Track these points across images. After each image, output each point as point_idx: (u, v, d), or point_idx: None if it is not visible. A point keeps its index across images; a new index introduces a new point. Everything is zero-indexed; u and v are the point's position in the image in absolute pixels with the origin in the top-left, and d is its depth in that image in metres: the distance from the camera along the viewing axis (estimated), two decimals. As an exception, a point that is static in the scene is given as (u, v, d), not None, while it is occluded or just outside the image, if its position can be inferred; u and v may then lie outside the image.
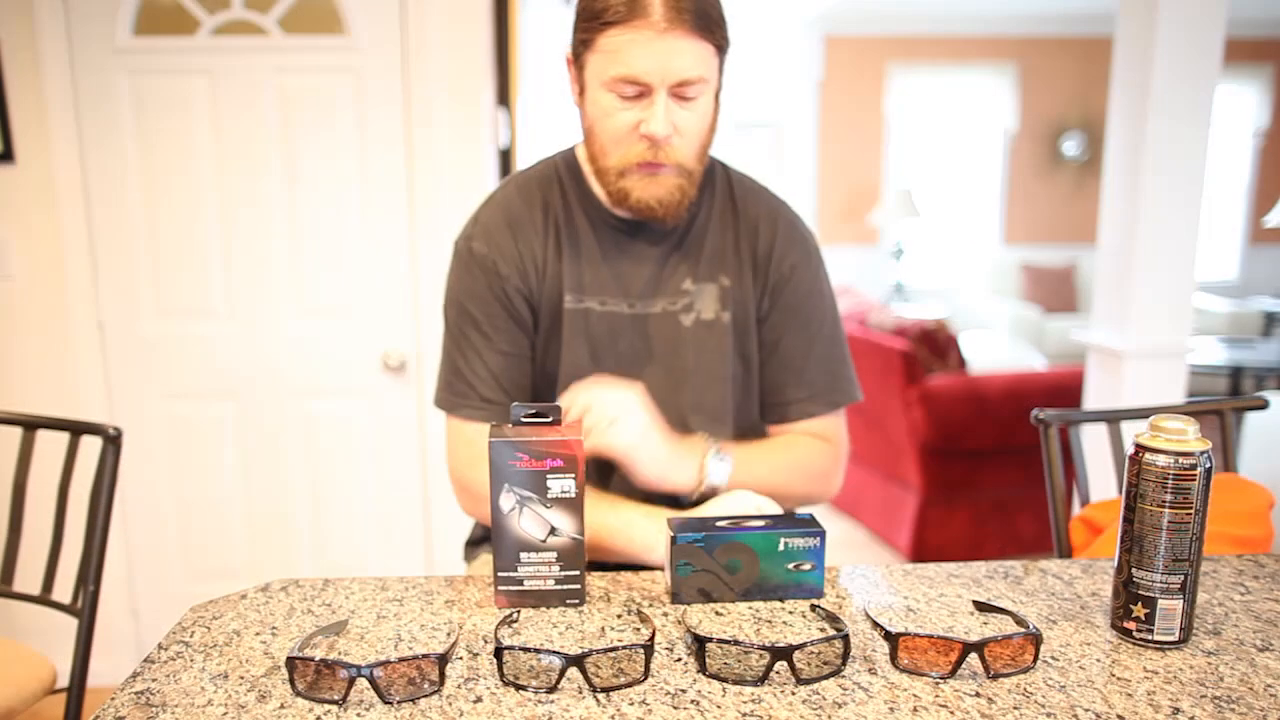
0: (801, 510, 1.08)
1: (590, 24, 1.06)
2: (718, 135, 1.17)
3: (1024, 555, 3.32)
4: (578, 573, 0.92)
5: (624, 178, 1.10)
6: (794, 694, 0.76)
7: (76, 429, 1.47)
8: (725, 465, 1.12)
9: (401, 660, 0.76)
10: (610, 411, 1.06)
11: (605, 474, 1.21)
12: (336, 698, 0.74)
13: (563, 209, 1.20)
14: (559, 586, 0.92)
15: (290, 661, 0.76)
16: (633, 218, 1.18)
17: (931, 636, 0.78)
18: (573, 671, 0.78)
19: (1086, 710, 0.73)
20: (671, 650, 0.83)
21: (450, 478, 1.21)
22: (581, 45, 1.09)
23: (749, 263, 1.21)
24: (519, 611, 0.91)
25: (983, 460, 3.27)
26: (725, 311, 1.19)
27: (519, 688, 0.77)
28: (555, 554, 0.91)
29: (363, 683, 0.76)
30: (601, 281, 1.18)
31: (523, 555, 0.91)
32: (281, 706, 0.74)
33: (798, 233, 1.24)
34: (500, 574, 0.92)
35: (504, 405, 1.17)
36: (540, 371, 1.21)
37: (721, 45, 1.08)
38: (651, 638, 0.80)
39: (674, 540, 0.92)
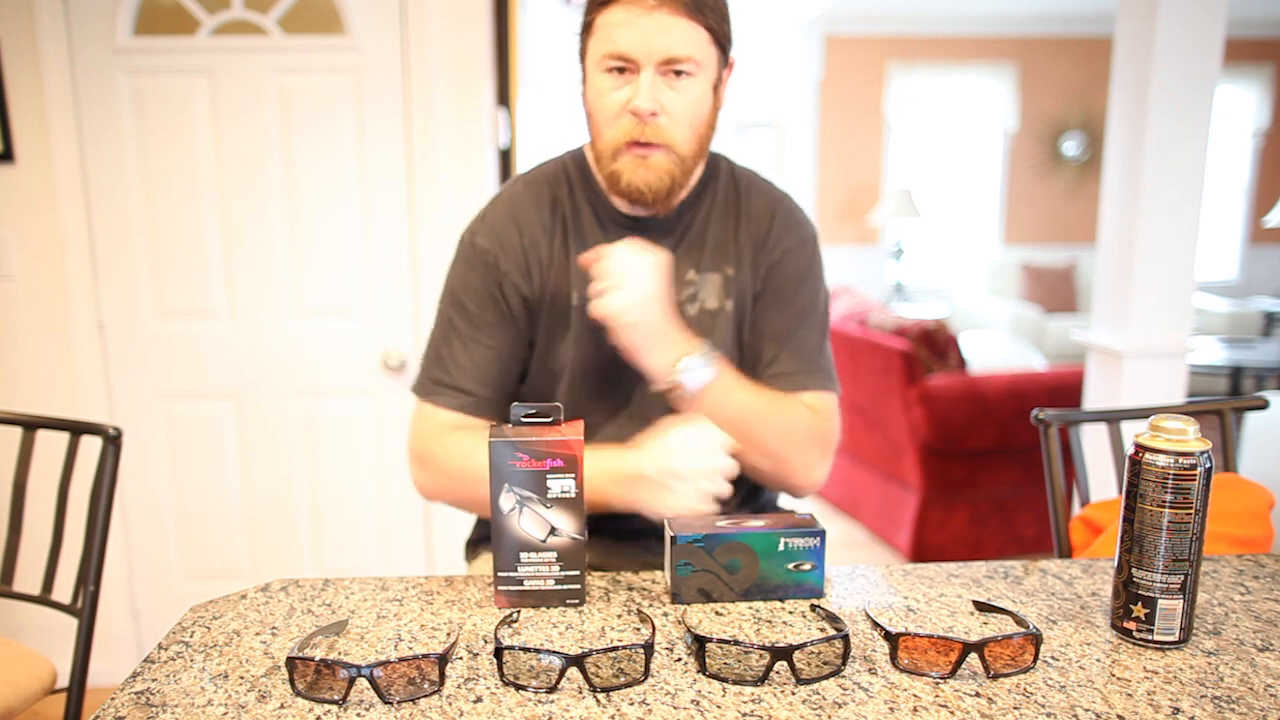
0: (801, 511, 1.08)
1: (590, 7, 1.10)
2: (718, 133, 1.17)
3: (1024, 555, 3.32)
4: (578, 573, 0.92)
5: (616, 159, 1.11)
6: (794, 694, 0.76)
7: (76, 429, 1.47)
8: (705, 372, 1.09)
9: (401, 660, 0.76)
10: (616, 272, 1.07)
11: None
12: (336, 698, 0.74)
13: (571, 206, 1.20)
14: (559, 586, 0.92)
15: (290, 661, 0.76)
16: (630, 211, 1.18)
17: (931, 636, 0.78)
18: (573, 671, 0.78)
19: (1086, 710, 0.73)
20: (671, 650, 0.83)
21: (409, 456, 1.20)
22: (585, 31, 1.12)
23: (749, 252, 1.22)
24: (519, 611, 0.92)
25: (983, 460, 3.27)
26: (728, 300, 1.20)
27: (519, 688, 0.77)
28: (555, 554, 0.92)
29: (363, 683, 0.76)
30: None
31: (523, 555, 0.91)
32: (281, 706, 0.74)
33: (794, 220, 1.24)
34: (500, 574, 0.92)
35: (480, 399, 1.17)
36: (543, 368, 1.21)
37: (716, 31, 1.09)
38: (651, 638, 0.80)
39: (674, 540, 0.92)
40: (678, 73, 1.08)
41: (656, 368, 1.11)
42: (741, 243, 1.22)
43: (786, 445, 1.15)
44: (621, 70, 1.08)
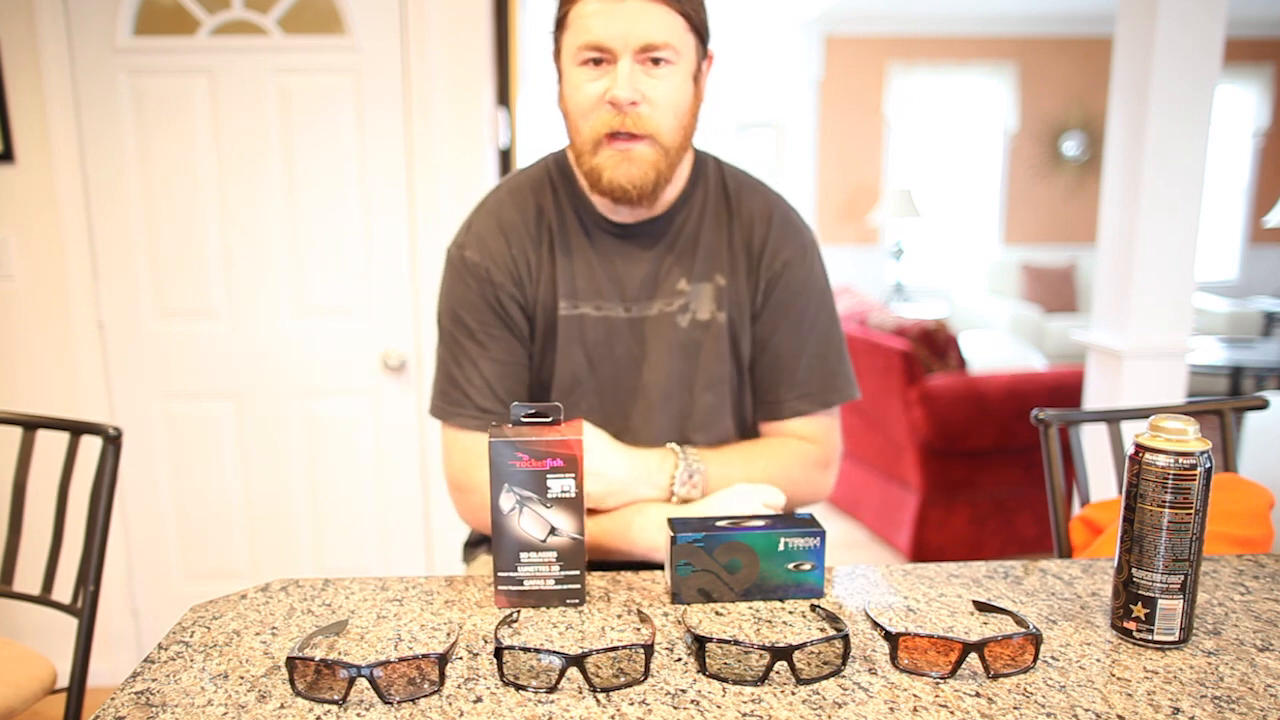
0: (801, 510, 1.08)
1: (563, 1, 1.09)
2: (704, 132, 1.16)
3: (1024, 555, 3.32)
4: (578, 573, 0.92)
5: (596, 154, 1.08)
6: (794, 694, 0.76)
7: (76, 429, 1.47)
8: (697, 478, 1.11)
9: (401, 660, 0.76)
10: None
11: None
12: (336, 698, 0.74)
13: (555, 213, 1.18)
14: (559, 586, 0.92)
15: (290, 661, 0.76)
16: (615, 217, 1.16)
17: (931, 636, 0.78)
18: (573, 671, 0.78)
19: (1086, 710, 0.73)
20: (671, 650, 0.83)
21: (448, 485, 1.20)
22: (558, 29, 1.11)
23: (743, 260, 1.19)
24: (519, 611, 0.91)
25: (983, 460, 3.27)
26: (721, 311, 1.18)
27: (519, 688, 0.77)
28: (555, 554, 0.91)
29: (363, 683, 0.76)
30: (596, 286, 1.17)
31: (523, 555, 0.91)
32: (281, 706, 0.74)
33: (791, 226, 1.21)
34: (500, 574, 0.92)
35: (500, 414, 1.16)
36: (536, 380, 1.20)
37: (693, 19, 1.08)
38: (651, 638, 0.80)
39: (674, 540, 0.92)
40: (656, 61, 1.05)
41: (658, 499, 1.11)
42: (735, 250, 1.19)
43: (791, 488, 1.18)
44: (598, 62, 1.06)
